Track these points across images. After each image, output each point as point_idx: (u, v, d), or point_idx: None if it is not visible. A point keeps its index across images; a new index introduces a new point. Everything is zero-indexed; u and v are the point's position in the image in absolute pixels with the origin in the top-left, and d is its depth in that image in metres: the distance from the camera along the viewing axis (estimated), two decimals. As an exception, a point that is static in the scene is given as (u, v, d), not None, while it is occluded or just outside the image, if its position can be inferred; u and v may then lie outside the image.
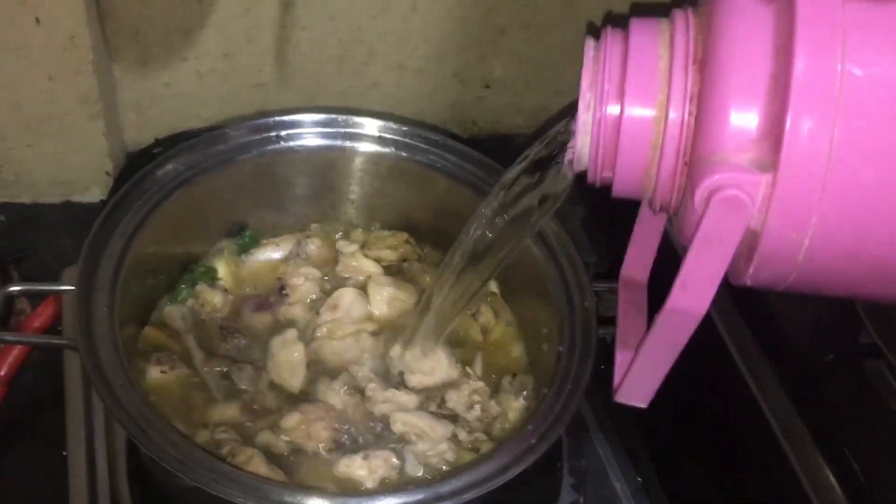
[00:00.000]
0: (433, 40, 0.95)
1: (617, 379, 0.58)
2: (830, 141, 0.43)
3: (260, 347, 0.71)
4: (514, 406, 0.67)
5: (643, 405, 0.57)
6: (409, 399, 0.67)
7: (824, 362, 0.76)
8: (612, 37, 0.51)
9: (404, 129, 0.76)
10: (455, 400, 0.66)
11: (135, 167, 0.92)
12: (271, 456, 0.63)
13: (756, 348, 0.74)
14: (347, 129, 0.75)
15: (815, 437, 0.74)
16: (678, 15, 0.50)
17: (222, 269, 0.75)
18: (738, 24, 0.46)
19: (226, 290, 0.74)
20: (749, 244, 0.46)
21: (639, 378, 0.54)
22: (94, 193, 0.92)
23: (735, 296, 0.76)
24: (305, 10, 0.90)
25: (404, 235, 0.80)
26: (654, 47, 0.49)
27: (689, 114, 0.47)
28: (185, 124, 0.96)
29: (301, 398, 0.68)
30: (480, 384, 0.67)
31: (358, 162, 0.77)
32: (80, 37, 0.80)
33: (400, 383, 0.69)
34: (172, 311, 0.71)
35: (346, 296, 0.72)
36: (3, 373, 0.76)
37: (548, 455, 0.58)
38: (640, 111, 0.48)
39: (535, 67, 1.01)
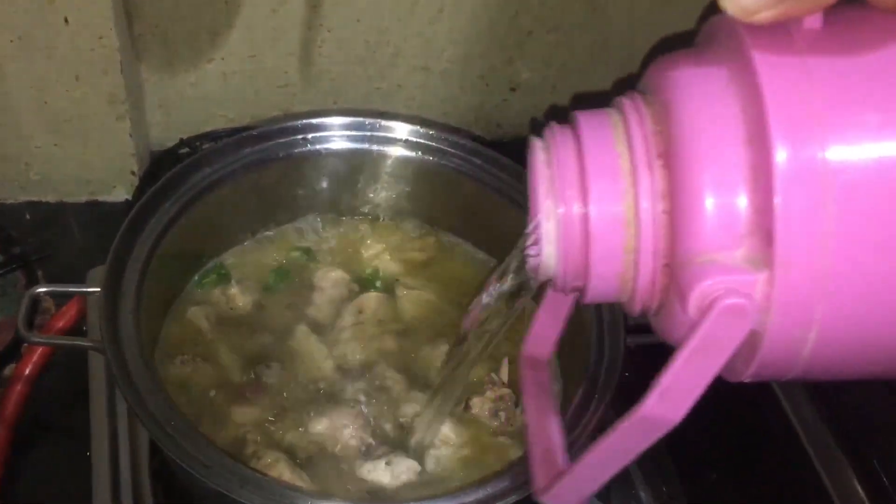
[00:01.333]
0: (459, 42, 0.95)
1: (538, 473, 0.51)
2: (825, 228, 0.39)
3: (287, 347, 0.70)
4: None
5: None
6: (434, 401, 0.66)
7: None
8: (560, 137, 0.46)
9: (431, 132, 0.75)
10: (479, 406, 0.66)
11: (160, 167, 0.93)
12: (295, 457, 0.63)
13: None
14: (375, 133, 0.75)
15: (842, 447, 0.73)
16: (627, 106, 0.45)
17: (246, 268, 0.75)
18: (700, 112, 0.42)
19: (252, 289, 0.74)
20: (749, 346, 0.42)
21: (578, 482, 0.48)
22: (120, 193, 0.92)
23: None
24: (332, 10, 0.90)
25: (432, 238, 0.79)
26: (609, 145, 0.44)
27: (663, 212, 0.43)
28: (210, 125, 0.96)
29: (327, 398, 0.67)
30: (506, 391, 0.67)
31: (385, 165, 0.76)
32: (108, 37, 0.81)
33: (425, 385, 0.68)
34: (197, 311, 0.71)
35: (372, 298, 0.72)
36: (27, 372, 0.76)
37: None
38: (608, 216, 0.43)
39: (562, 70, 1.00)
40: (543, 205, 0.45)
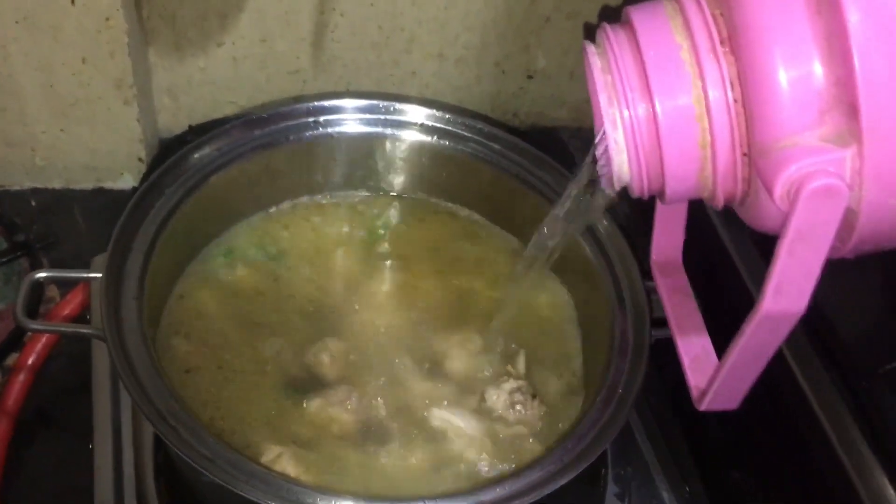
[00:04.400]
0: (475, 28, 0.93)
1: (692, 380, 0.52)
2: None
3: (298, 328, 0.68)
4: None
5: (733, 408, 0.52)
6: (447, 391, 0.64)
7: (884, 370, 0.72)
8: (615, 37, 0.45)
9: (447, 116, 0.72)
10: (494, 398, 0.63)
11: (168, 154, 0.90)
12: (301, 444, 0.60)
13: (812, 354, 0.71)
14: (388, 116, 0.72)
15: (874, 448, 0.70)
16: None
17: (256, 249, 0.72)
18: None
19: (259, 267, 0.71)
20: (847, 224, 0.41)
21: (728, 385, 0.49)
22: (127, 180, 0.90)
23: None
24: (345, -6, 0.88)
25: (447, 217, 0.76)
26: (668, 36, 0.43)
27: (735, 100, 0.42)
28: (220, 111, 0.94)
29: (335, 383, 0.65)
30: (523, 382, 0.64)
31: (399, 150, 0.74)
32: (116, 18, 0.79)
33: (438, 371, 0.66)
34: (204, 294, 0.68)
35: (386, 282, 0.69)
36: (30, 361, 0.74)
37: (592, 462, 0.55)
38: (677, 112, 0.42)
39: (581, 58, 0.97)
40: (607, 114, 0.43)
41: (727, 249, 0.73)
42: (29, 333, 0.76)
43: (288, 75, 0.93)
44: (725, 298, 0.71)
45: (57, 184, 0.90)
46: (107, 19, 0.78)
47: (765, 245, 0.49)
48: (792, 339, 0.71)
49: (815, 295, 0.74)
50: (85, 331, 0.60)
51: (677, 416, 0.77)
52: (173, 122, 0.93)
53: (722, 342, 0.51)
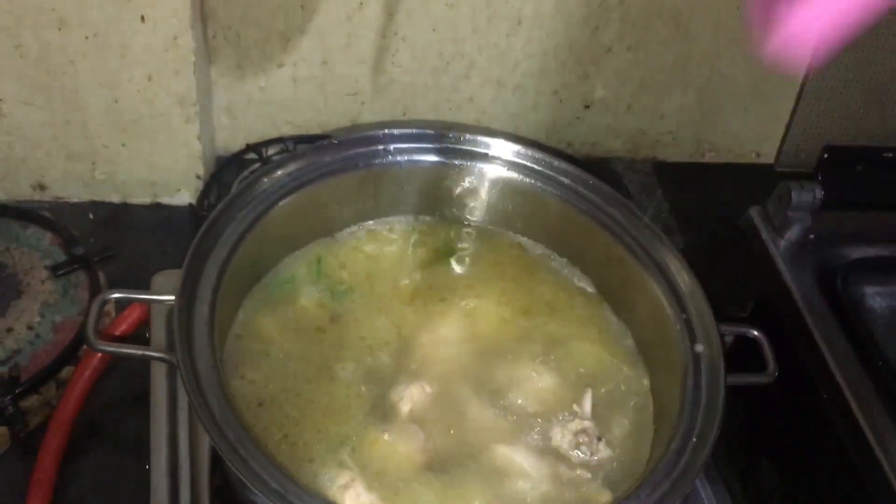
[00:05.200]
0: (535, 56, 0.92)
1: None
2: None
3: (367, 359, 0.67)
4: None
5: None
6: (512, 427, 0.63)
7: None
8: None
9: (519, 149, 0.72)
10: (559, 437, 0.62)
11: (225, 172, 0.91)
12: (371, 474, 0.60)
13: (878, 405, 0.69)
14: (458, 146, 0.72)
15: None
16: None
17: (322, 276, 0.72)
18: None
19: (327, 295, 0.71)
20: None
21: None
22: (183, 196, 0.91)
23: (858, 352, 0.71)
24: (407, 19, 0.88)
25: (514, 250, 0.75)
26: None
27: None
28: (277, 131, 0.94)
29: (408, 418, 0.64)
30: (589, 423, 0.63)
31: (468, 181, 0.73)
32: (183, 37, 0.79)
33: (505, 407, 0.65)
34: (266, 321, 0.68)
35: (449, 318, 0.69)
36: (87, 373, 0.74)
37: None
38: None
39: (638, 89, 0.97)
40: None
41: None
42: (84, 346, 0.76)
43: (346, 97, 0.93)
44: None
45: (115, 198, 0.90)
46: (175, 38, 0.79)
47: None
48: (857, 387, 0.71)
49: (881, 346, 0.73)
50: (152, 354, 0.60)
51: (731, 462, 0.76)
52: (231, 140, 0.94)
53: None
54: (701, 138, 1.03)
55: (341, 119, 0.95)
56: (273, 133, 0.94)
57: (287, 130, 0.95)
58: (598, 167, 1.00)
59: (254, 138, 0.94)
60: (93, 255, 0.83)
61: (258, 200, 0.64)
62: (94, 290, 0.80)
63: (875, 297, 0.78)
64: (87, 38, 0.78)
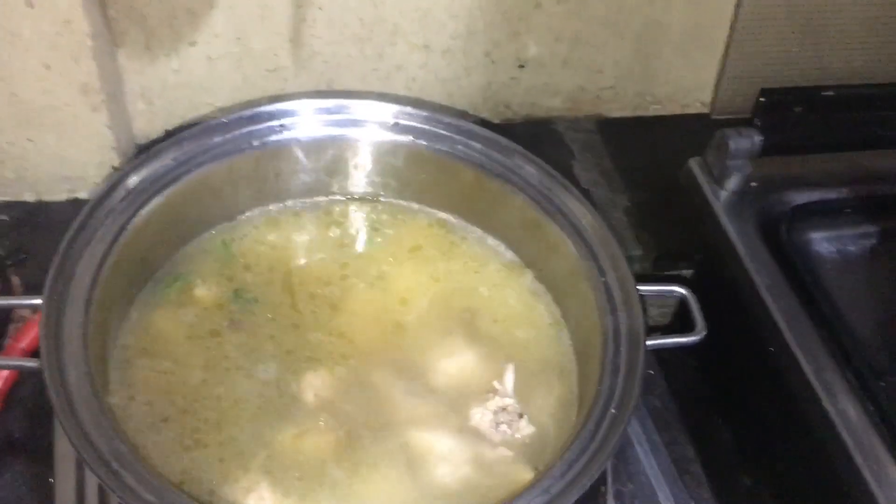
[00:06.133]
0: (461, 16, 0.88)
1: None
2: None
3: (274, 349, 0.64)
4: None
5: None
6: (432, 410, 0.60)
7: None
8: None
9: (423, 114, 0.67)
10: (479, 417, 0.59)
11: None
12: (279, 471, 0.56)
13: (826, 357, 0.66)
14: (356, 116, 0.67)
15: (891, 451, 0.66)
16: None
17: (221, 266, 0.67)
18: None
19: (222, 287, 0.67)
20: None
21: None
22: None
23: (805, 303, 0.68)
24: (322, -15, 0.83)
25: (424, 222, 0.72)
26: None
27: None
28: (198, 113, 0.90)
29: (316, 407, 0.61)
30: (510, 401, 0.60)
31: (369, 152, 0.69)
32: (76, 21, 0.74)
33: (423, 388, 0.62)
34: (163, 315, 0.64)
35: (364, 292, 0.65)
36: (-4, 385, 0.70)
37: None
38: None
39: (573, 44, 0.93)
40: None
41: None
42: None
43: (267, 73, 0.89)
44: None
45: (29, 196, 0.86)
46: (66, 21, 0.74)
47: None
48: (804, 339, 0.68)
49: (829, 294, 0.69)
50: (30, 364, 0.54)
51: (683, 423, 0.73)
52: (149, 127, 0.89)
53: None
54: (643, 91, 0.98)
55: (264, 97, 0.90)
56: (194, 116, 0.90)
57: (208, 113, 0.90)
58: (538, 128, 0.96)
59: (174, 123, 0.90)
60: (5, 259, 0.79)
61: (138, 191, 0.60)
62: (6, 295, 0.76)
63: (822, 242, 0.75)
64: (-29, 28, 0.73)
